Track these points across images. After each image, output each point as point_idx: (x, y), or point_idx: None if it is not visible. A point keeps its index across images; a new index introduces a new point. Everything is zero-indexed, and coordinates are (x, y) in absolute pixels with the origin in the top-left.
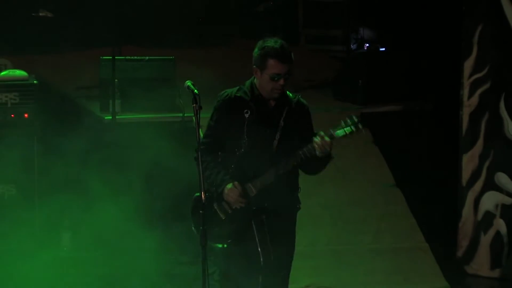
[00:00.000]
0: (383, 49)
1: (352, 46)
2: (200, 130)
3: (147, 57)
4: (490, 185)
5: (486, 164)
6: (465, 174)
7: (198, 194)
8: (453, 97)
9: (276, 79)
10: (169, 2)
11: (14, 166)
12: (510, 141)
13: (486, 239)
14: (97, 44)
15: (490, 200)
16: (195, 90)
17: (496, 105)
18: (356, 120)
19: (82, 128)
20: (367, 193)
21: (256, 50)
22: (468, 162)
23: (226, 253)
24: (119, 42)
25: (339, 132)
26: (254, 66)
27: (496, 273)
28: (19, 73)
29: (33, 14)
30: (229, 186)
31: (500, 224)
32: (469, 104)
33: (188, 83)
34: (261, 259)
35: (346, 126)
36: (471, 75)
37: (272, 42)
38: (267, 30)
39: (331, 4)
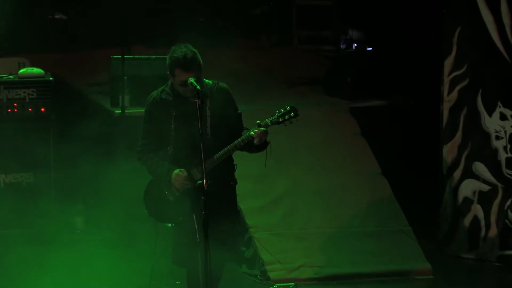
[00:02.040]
0: (370, 48)
1: (341, 46)
2: (200, 122)
3: (154, 56)
4: (468, 173)
5: (465, 154)
6: (445, 164)
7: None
8: (434, 93)
9: (183, 85)
10: (173, 6)
11: (32, 156)
12: (486, 133)
13: (464, 223)
14: (108, 44)
15: (468, 187)
16: (197, 87)
17: (474, 100)
18: (288, 109)
19: (94, 121)
20: (355, 181)
21: (167, 57)
22: (448, 152)
23: (174, 231)
24: (129, 42)
25: (273, 120)
26: (168, 72)
27: (473, 254)
28: (36, 70)
29: (49, 16)
30: (176, 171)
31: (477, 209)
32: (449, 99)
33: (191, 80)
34: (197, 236)
35: (279, 114)
36: (450, 72)
37: (178, 52)
38: (263, 31)
39: (322, 8)
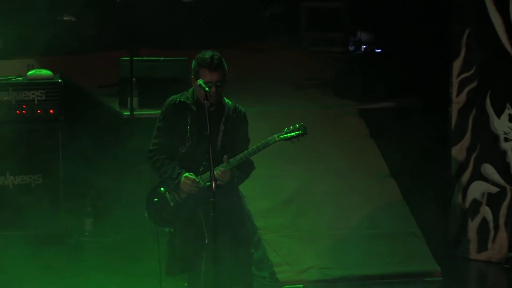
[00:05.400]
0: (379, 50)
1: (350, 48)
2: (209, 125)
3: (162, 58)
4: (477, 175)
5: (473, 156)
6: (454, 165)
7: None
8: (443, 95)
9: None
10: (182, 8)
11: (41, 158)
12: (495, 135)
13: (473, 225)
14: (116, 46)
15: (477, 189)
16: (206, 88)
17: (483, 102)
18: (297, 126)
19: (102, 122)
20: (364, 183)
21: (193, 61)
22: (457, 154)
23: (173, 236)
24: (137, 44)
25: (282, 136)
26: (192, 76)
27: (482, 256)
28: (45, 72)
29: (58, 18)
30: (186, 175)
31: (486, 211)
32: (457, 101)
33: (200, 81)
34: (206, 240)
35: (288, 130)
36: (459, 74)
37: (205, 54)
38: (272, 33)
39: (331, 10)
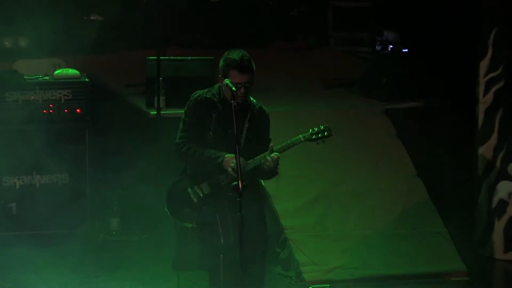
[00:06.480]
0: (406, 50)
1: (377, 48)
2: (235, 124)
3: (189, 57)
4: (504, 175)
5: (500, 155)
6: (481, 165)
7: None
8: (470, 94)
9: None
10: (209, 7)
11: (67, 157)
12: None
13: (500, 225)
14: (143, 45)
15: (503, 189)
16: (233, 88)
17: (510, 102)
18: (322, 128)
19: (129, 122)
20: (390, 182)
21: (221, 60)
22: (484, 153)
23: (193, 232)
24: (164, 43)
25: (307, 136)
26: (220, 75)
27: (509, 256)
28: (72, 71)
29: (84, 17)
30: (228, 155)
31: None
32: (484, 100)
33: (227, 81)
34: (221, 240)
35: (313, 132)
36: (486, 74)
37: (234, 54)
38: (299, 33)
39: (358, 10)
